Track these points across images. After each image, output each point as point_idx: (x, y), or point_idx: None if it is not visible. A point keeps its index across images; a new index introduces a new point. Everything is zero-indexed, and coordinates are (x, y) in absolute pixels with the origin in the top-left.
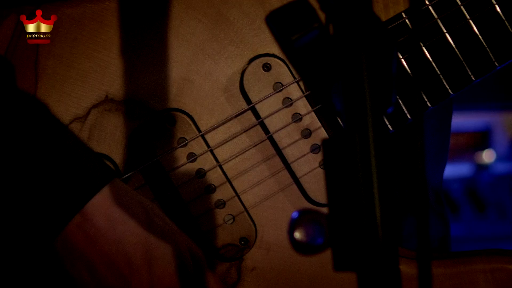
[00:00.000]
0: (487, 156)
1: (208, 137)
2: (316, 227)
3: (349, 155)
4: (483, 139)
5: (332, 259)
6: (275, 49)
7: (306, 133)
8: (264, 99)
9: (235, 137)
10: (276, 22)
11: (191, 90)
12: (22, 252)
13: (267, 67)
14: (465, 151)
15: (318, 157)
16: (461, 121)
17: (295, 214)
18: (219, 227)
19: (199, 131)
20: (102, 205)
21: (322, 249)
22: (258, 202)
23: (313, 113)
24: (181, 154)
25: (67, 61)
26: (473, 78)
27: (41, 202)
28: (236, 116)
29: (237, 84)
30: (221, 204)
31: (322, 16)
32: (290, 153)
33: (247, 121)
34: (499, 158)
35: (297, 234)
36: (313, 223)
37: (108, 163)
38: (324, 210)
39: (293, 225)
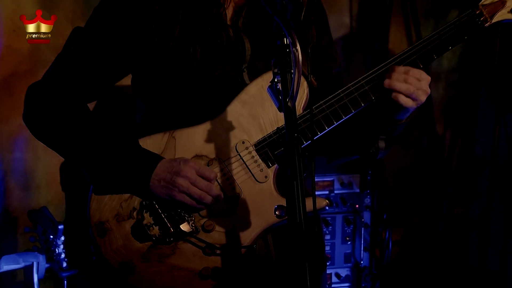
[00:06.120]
0: None
1: (225, 163)
2: (283, 211)
3: (291, 188)
4: None
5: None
6: (252, 139)
7: (257, 163)
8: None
9: (232, 163)
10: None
11: (225, 142)
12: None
13: (243, 143)
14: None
15: (261, 171)
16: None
17: (278, 207)
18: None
19: (222, 161)
20: (164, 163)
21: (284, 217)
22: (243, 181)
23: (257, 155)
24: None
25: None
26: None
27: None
28: (231, 157)
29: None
30: (231, 182)
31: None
32: (251, 167)
33: (238, 159)
34: None
35: (277, 213)
36: (283, 209)
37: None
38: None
39: (275, 209)
